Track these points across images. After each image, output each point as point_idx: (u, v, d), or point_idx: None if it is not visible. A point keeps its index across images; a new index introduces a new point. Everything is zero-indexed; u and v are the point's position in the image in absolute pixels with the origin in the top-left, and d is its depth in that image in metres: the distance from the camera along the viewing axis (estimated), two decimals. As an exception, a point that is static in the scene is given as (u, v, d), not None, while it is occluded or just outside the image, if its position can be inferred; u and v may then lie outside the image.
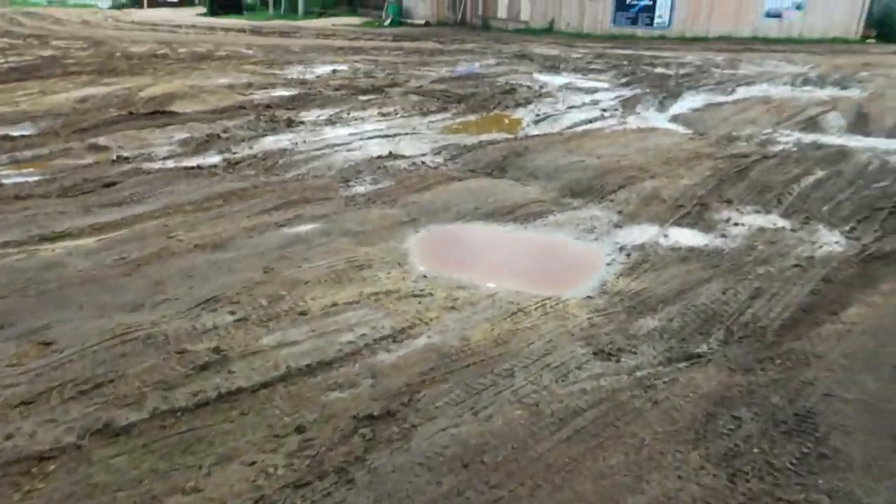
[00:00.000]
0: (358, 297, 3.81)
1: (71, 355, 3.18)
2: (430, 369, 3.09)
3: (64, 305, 3.71)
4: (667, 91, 12.10)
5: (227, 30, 29.14)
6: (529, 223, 5.22)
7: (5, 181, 6.26)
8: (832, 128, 9.15)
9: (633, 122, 9.37)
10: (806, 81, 13.69)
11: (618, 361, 3.22)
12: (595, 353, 3.29)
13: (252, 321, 3.51)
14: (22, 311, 3.65)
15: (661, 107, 10.69)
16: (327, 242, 4.67)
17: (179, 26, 31.18)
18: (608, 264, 4.47)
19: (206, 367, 3.06)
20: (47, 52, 17.51)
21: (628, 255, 4.61)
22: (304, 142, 7.89)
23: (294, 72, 14.02)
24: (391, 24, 29.48)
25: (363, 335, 3.37)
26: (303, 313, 3.59)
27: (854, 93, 12.16)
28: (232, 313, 3.61)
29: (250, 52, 18.25)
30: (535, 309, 3.74)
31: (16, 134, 8.07)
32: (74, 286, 3.94)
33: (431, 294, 3.89)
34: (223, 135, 8.24)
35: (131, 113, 9.37)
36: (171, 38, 22.86)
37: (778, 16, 23.74)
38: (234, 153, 7.39)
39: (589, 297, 3.96)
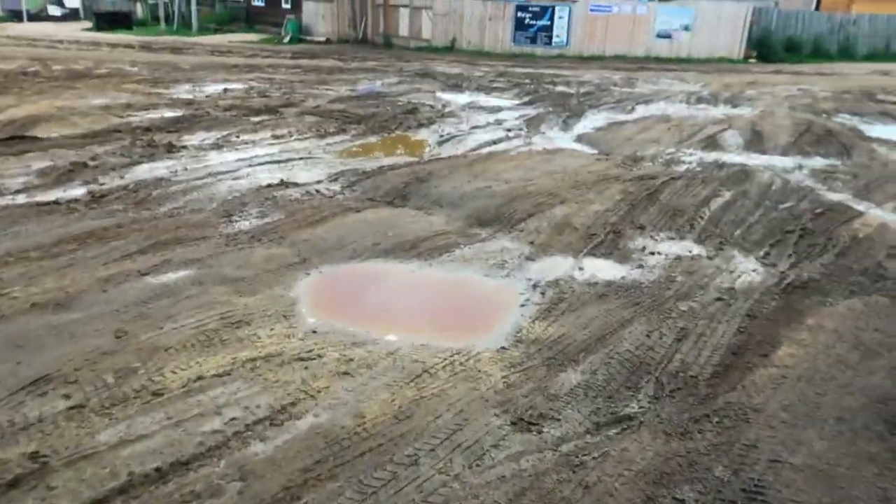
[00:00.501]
0: (230, 365, 3.17)
1: None
2: (315, 463, 2.50)
3: None
4: (569, 110, 12.02)
5: (113, 45, 27.31)
6: (434, 259, 4.73)
7: None
8: (731, 146, 9.24)
9: (538, 142, 9.12)
10: (700, 100, 14.04)
11: (540, 433, 2.75)
12: (513, 424, 2.80)
13: (90, 408, 2.80)
14: None
15: (566, 126, 10.55)
16: (199, 293, 3.99)
17: (61, 41, 28.96)
18: (522, 305, 4.03)
19: (16, 484, 2.34)
20: None
21: (543, 294, 4.19)
22: (185, 169, 7.10)
23: (181, 91, 13.03)
24: (290, 42, 28.57)
25: (232, 420, 2.74)
26: (158, 393, 2.91)
27: (745, 111, 12.52)
28: (66, 397, 2.89)
29: (135, 69, 16.98)
30: (443, 368, 3.23)
31: None
32: None
33: (321, 355, 3.30)
34: (91, 163, 7.31)
35: (-17, 139, 8.23)
36: (48, 55, 21.06)
37: (668, 37, 24.66)
38: (102, 184, 6.52)
39: (503, 347, 3.49)
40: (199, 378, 3.04)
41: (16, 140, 8.23)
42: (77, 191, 6.29)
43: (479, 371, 3.22)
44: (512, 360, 3.34)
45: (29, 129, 8.80)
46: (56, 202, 5.89)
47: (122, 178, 6.76)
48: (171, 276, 4.23)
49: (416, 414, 2.83)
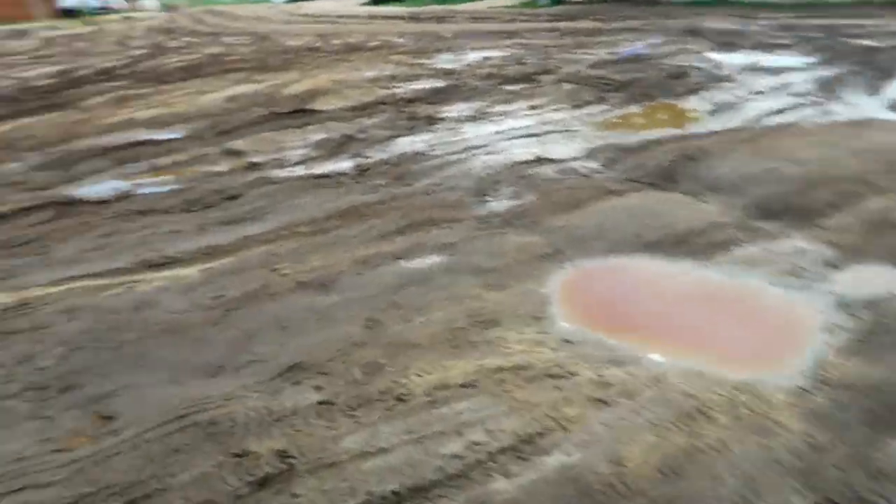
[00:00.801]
0: (476, 374, 2.93)
1: (122, 443, 2.61)
2: (564, 517, 2.15)
3: (139, 364, 3.19)
4: (878, 69, 9.96)
5: (386, 18, 29.37)
6: (709, 259, 4.05)
7: (138, 191, 6.09)
8: None
9: (838, 111, 7.62)
10: None
11: (864, 530, 2.07)
12: (823, 508, 2.16)
13: (338, 406, 2.75)
14: (96, 367, 3.18)
15: (874, 90, 8.73)
16: (450, 284, 3.83)
17: (341, 17, 31.92)
18: (826, 331, 3.23)
19: (265, 484, 2.34)
20: (216, 50, 18.29)
21: (855, 317, 3.33)
22: (442, 143, 7.13)
23: (442, 60, 13.36)
24: (549, 4, 28.12)
25: (475, 444, 2.48)
26: (401, 398, 2.77)
27: None
28: (317, 389, 2.88)
29: (401, 40, 17.91)
30: (722, 408, 2.65)
31: (162, 138, 8.05)
32: (157, 336, 3.42)
33: (574, 373, 2.92)
34: (359, 135, 7.70)
35: (274, 112, 9.15)
36: (330, 30, 23.23)
37: None
38: (367, 157, 6.79)
39: (802, 388, 2.78)
40: (444, 386, 2.84)
41: (298, 113, 9.01)
42: (346, 163, 6.62)
43: (771, 419, 2.58)
44: (816, 409, 2.64)
45: (309, 103, 9.59)
46: (327, 175, 6.24)
47: (385, 151, 6.98)
48: (423, 262, 4.14)
49: (687, 471, 2.32)
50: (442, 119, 8.27)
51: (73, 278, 4.16)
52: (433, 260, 4.17)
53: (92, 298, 3.87)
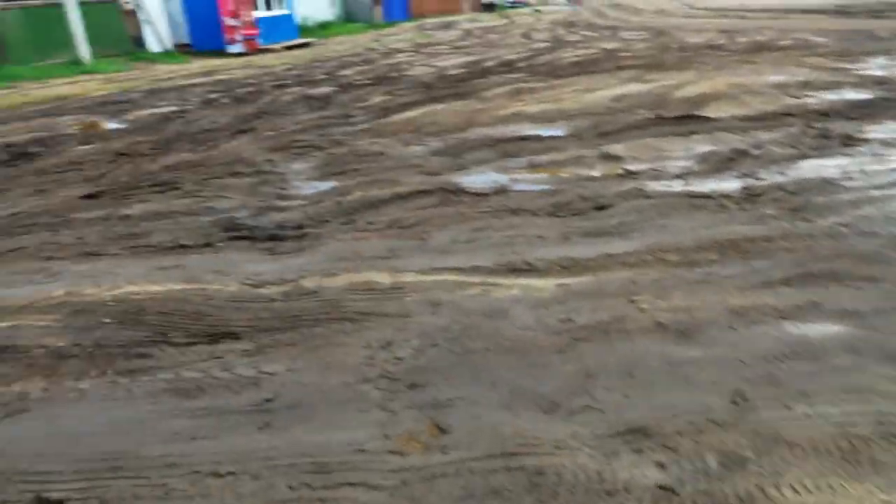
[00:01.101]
0: (878, 515, 2.16)
1: (449, 464, 2.55)
2: None
3: (480, 378, 3.14)
4: None
5: (804, 12, 26.04)
6: None
7: (514, 187, 6.26)
8: None
9: None
10: None
11: None
12: None
13: (681, 500, 2.27)
14: (442, 369, 3.23)
15: None
16: (852, 369, 2.98)
17: (751, 11, 29.32)
18: None
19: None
20: (611, 45, 18.33)
21: None
22: (861, 172, 5.84)
23: (872, 66, 11.17)
24: None
25: None
26: (767, 520, 2.18)
27: None
28: (659, 467, 2.44)
29: (821, 39, 15.57)
30: None
31: (544, 134, 8.23)
32: (501, 352, 3.34)
33: None
34: (753, 151, 6.79)
35: (659, 116, 8.65)
36: (736, 26, 21.44)
37: None
38: (759, 179, 5.92)
39: None
40: (828, 519, 2.15)
41: (686, 119, 8.36)
42: (731, 184, 5.86)
43: None
44: None
45: (700, 108, 8.84)
46: (708, 195, 5.58)
47: (783, 174, 6.01)
48: (817, 330, 3.33)
49: None
50: (864, 140, 6.82)
51: (441, 269, 4.38)
52: (831, 329, 3.32)
53: (453, 294, 4.00)
